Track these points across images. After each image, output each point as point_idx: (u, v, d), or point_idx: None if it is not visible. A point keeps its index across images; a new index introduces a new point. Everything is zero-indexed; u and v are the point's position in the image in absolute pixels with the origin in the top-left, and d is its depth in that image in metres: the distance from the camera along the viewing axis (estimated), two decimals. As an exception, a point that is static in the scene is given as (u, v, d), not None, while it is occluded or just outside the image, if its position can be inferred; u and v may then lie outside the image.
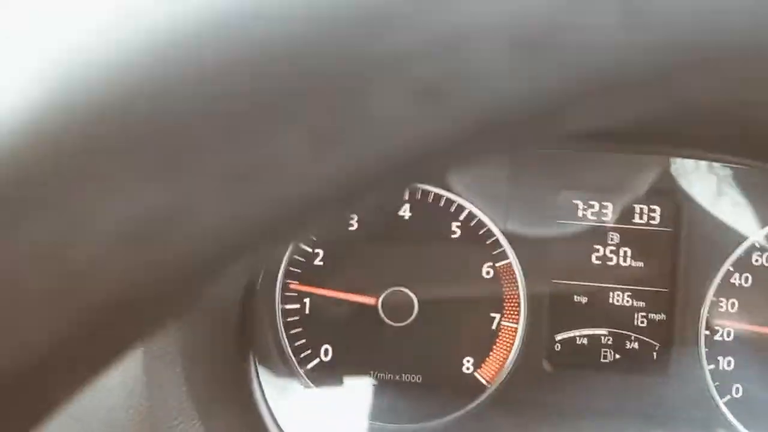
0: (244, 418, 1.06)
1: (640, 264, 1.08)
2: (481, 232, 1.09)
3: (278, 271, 1.12)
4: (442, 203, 1.10)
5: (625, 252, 1.08)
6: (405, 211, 1.10)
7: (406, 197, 1.10)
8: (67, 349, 0.30)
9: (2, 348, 0.29)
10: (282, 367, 1.12)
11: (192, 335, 0.98)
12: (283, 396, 1.09)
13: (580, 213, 1.08)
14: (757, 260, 1.06)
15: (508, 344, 1.10)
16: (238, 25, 0.29)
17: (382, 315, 1.10)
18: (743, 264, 1.06)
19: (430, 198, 1.10)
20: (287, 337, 1.12)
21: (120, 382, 0.93)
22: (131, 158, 0.29)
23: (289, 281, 1.12)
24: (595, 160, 1.08)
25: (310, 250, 1.11)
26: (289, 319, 1.12)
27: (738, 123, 0.92)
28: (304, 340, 1.12)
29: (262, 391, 1.09)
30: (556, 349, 1.10)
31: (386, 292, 1.10)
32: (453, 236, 1.10)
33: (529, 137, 0.32)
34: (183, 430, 0.94)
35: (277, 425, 1.07)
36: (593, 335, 1.09)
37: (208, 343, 1.03)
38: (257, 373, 1.10)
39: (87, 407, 0.92)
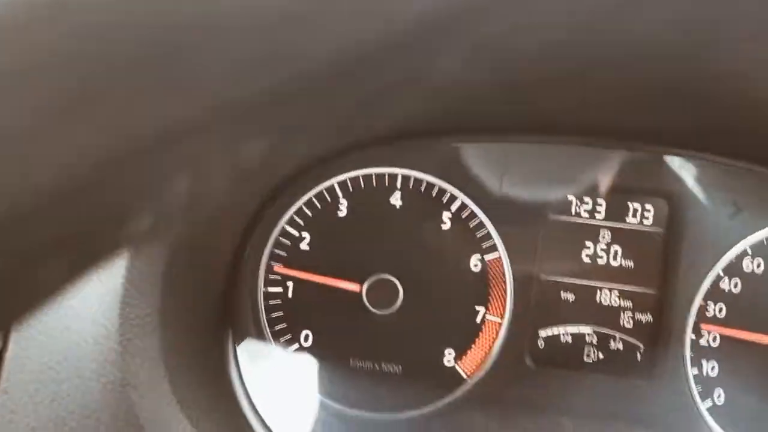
0: (218, 395, 1.04)
1: (630, 263, 1.07)
2: (472, 224, 1.08)
3: (263, 253, 1.10)
4: (434, 192, 1.08)
5: (615, 251, 1.07)
6: (396, 199, 1.09)
7: (398, 185, 1.08)
8: None
9: None
10: (260, 347, 1.10)
11: (172, 309, 0.96)
12: (258, 375, 1.08)
13: (573, 209, 1.08)
14: (747, 266, 1.05)
15: (491, 338, 1.09)
16: None
17: (366, 302, 1.09)
18: (733, 269, 1.05)
19: (423, 186, 1.09)
20: (267, 321, 1.10)
21: (94, 352, 0.91)
22: None
23: (273, 263, 1.10)
24: (591, 156, 1.07)
25: (296, 233, 1.10)
26: (270, 302, 1.10)
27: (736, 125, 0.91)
28: (284, 324, 1.10)
29: (239, 370, 1.07)
30: (540, 345, 1.08)
31: (371, 279, 1.09)
32: (443, 226, 1.09)
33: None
34: (154, 401, 0.92)
35: (251, 402, 1.06)
36: (578, 333, 1.08)
37: (188, 319, 1.01)
38: (235, 353, 1.08)
39: (60, 376, 0.90)
